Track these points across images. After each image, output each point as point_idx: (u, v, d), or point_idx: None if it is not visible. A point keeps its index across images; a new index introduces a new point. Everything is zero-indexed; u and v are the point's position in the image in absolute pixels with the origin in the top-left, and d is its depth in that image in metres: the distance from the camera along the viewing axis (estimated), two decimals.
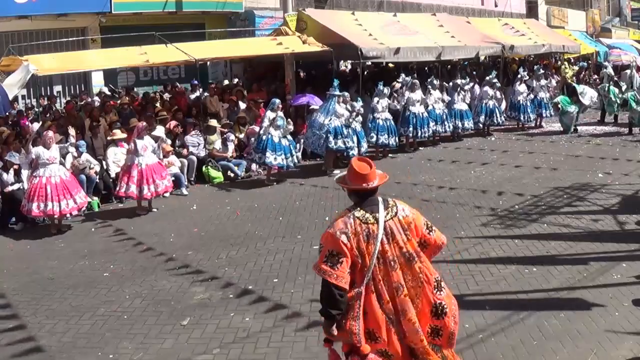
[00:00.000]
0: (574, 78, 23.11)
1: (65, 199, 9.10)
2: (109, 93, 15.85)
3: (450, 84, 16.00)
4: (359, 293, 3.70)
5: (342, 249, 3.64)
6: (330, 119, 12.30)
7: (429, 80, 15.35)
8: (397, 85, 15.07)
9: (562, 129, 16.50)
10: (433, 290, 3.82)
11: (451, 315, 3.88)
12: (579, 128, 16.68)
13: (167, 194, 10.76)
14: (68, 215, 9.32)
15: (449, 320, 3.86)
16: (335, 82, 12.60)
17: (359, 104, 13.05)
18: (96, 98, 15.22)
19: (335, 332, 3.77)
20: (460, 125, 15.56)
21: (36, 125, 11.24)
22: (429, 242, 3.93)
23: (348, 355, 3.84)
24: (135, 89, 16.84)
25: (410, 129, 14.34)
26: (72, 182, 9.41)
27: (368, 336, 3.74)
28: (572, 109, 16.10)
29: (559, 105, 16.26)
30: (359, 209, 3.76)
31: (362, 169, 3.76)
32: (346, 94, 13.04)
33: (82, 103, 14.32)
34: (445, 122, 15.14)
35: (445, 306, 3.85)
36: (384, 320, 3.72)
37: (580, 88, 16.74)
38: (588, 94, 16.53)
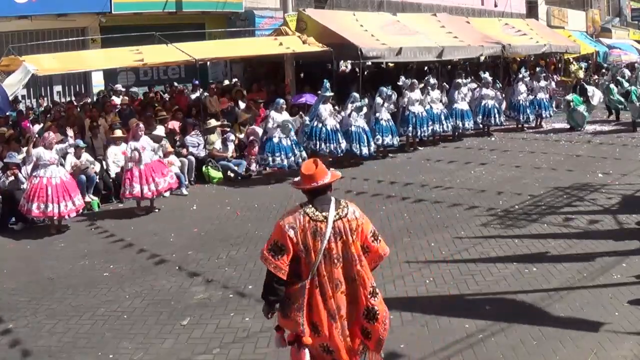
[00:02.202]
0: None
1: (65, 200, 9.10)
2: (119, 90, 15.81)
3: (452, 83, 16.01)
4: (303, 286, 3.88)
5: (286, 242, 3.85)
6: (312, 120, 12.32)
7: (426, 78, 15.34)
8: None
9: (569, 125, 16.98)
10: (367, 294, 3.98)
11: (382, 322, 4.03)
12: (586, 126, 16.93)
13: (167, 194, 10.73)
14: (67, 216, 9.31)
15: (379, 326, 4.02)
16: (326, 83, 12.48)
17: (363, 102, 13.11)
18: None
19: (270, 316, 4.07)
20: (460, 125, 15.57)
21: (37, 127, 11.24)
22: (370, 249, 4.08)
23: (291, 344, 4.04)
24: (136, 88, 16.88)
25: (410, 128, 14.37)
26: (72, 184, 9.40)
27: (313, 328, 3.93)
28: (582, 108, 16.66)
29: (571, 103, 16.78)
30: (310, 205, 3.94)
31: (307, 170, 3.97)
32: (359, 98, 13.02)
33: (82, 103, 14.31)
34: (444, 122, 15.12)
35: (377, 312, 4.01)
36: (326, 315, 3.90)
37: (590, 90, 17.04)
38: (597, 96, 17.09)
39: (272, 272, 3.87)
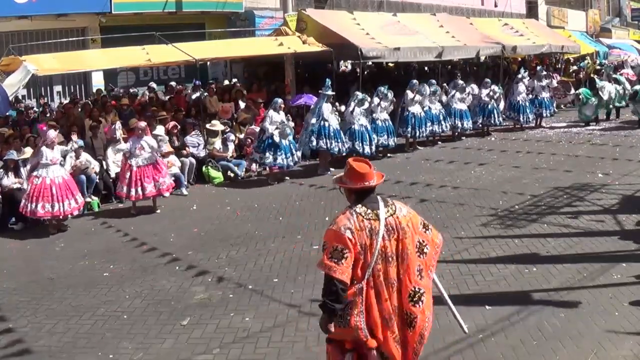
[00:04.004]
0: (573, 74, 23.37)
1: (68, 199, 9.12)
2: (114, 90, 15.85)
3: (451, 83, 16.02)
4: (361, 289, 3.74)
5: (347, 244, 3.68)
6: (318, 119, 12.34)
7: (429, 81, 15.34)
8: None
9: (580, 119, 17.30)
10: (407, 297, 3.84)
11: (418, 333, 3.86)
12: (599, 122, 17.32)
13: (167, 194, 10.70)
14: (70, 215, 9.31)
15: (415, 336, 3.86)
16: (328, 82, 12.51)
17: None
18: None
19: (333, 329, 3.79)
20: (459, 125, 15.59)
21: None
22: (426, 240, 3.98)
23: (348, 352, 3.87)
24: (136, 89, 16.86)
25: (409, 129, 14.39)
26: (72, 182, 9.42)
27: (369, 332, 3.77)
28: (592, 101, 16.86)
29: (580, 97, 16.95)
30: (360, 205, 3.82)
31: (362, 168, 3.83)
32: (366, 97, 13.03)
33: (82, 103, 14.30)
34: (442, 122, 15.12)
35: (414, 319, 3.84)
36: (380, 320, 3.77)
37: (600, 83, 17.05)
38: (607, 90, 17.08)
39: (336, 278, 3.63)
